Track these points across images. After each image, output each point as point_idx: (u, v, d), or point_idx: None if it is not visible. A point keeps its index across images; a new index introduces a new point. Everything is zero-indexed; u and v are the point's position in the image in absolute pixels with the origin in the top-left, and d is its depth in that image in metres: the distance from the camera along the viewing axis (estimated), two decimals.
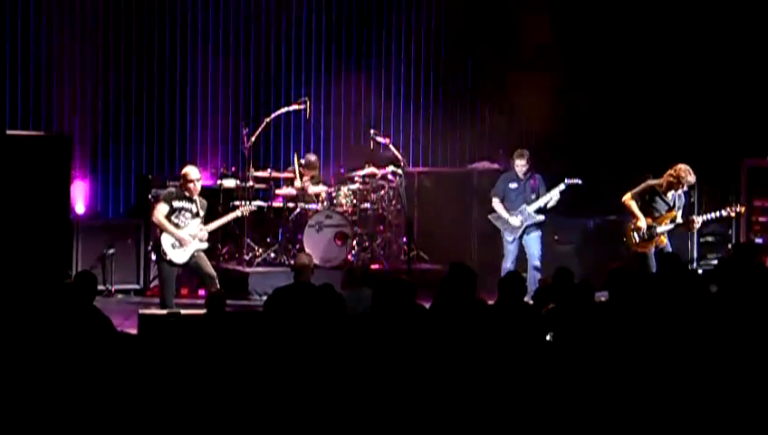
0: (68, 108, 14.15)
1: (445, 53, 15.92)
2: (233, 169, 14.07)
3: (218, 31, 14.81)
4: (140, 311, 10.02)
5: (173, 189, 11.37)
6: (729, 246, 13.75)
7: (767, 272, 9.23)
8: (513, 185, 12.43)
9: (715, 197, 13.90)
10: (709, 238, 14.11)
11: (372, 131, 13.95)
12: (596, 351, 6.99)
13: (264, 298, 10.69)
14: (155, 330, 9.03)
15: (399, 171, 13.76)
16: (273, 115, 13.87)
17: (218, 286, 10.61)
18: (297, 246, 13.10)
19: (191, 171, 11.08)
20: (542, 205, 12.31)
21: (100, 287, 11.85)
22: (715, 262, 13.03)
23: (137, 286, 13.35)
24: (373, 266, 13.41)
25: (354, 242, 13.43)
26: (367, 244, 13.75)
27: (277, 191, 13.80)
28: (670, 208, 11.72)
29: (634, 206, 11.71)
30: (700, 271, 13.24)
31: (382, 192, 13.91)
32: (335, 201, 13.56)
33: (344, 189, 13.67)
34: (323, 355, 6.57)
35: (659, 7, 15.25)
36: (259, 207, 12.89)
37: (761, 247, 13.09)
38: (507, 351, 6.98)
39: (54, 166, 12.19)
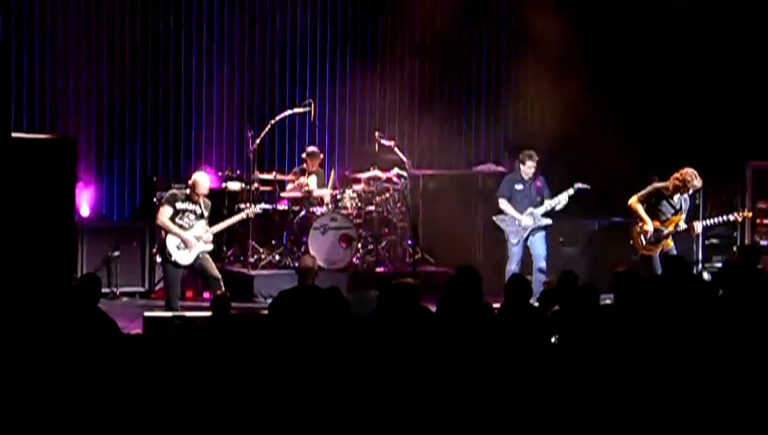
0: (73, 111, 14.16)
1: (449, 56, 15.90)
2: (238, 171, 14.07)
3: (223, 33, 14.81)
4: (145, 313, 10.04)
5: (176, 191, 11.39)
6: (734, 248, 13.74)
7: (764, 276, 9.26)
8: (519, 186, 12.42)
9: (720, 199, 13.89)
10: (714, 241, 14.09)
11: (377, 134, 13.95)
12: (600, 353, 6.98)
13: (269, 301, 10.72)
14: (160, 332, 9.03)
15: (404, 174, 13.76)
16: (278, 117, 13.87)
17: (223, 289, 10.60)
18: (302, 249, 13.10)
19: (201, 184, 11.08)
20: (551, 208, 12.30)
21: (105, 290, 11.87)
22: (720, 265, 13.01)
23: (142, 289, 13.36)
24: (378, 269, 13.41)
25: (359, 245, 13.43)
26: (372, 246, 13.73)
27: (282, 194, 13.80)
28: (676, 212, 11.71)
29: (641, 209, 11.70)
30: (705, 274, 13.23)
31: (387, 195, 13.90)
32: (340, 204, 13.56)
33: (349, 192, 13.66)
34: (328, 358, 6.56)
35: (665, 11, 15.23)
36: (264, 210, 12.89)
37: (765, 250, 13.05)
38: (512, 353, 6.97)
39: (59, 169, 12.16)
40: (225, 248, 13.52)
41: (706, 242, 14.02)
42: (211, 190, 11.57)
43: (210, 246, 11.23)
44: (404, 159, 13.82)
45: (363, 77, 15.19)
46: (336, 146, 15.37)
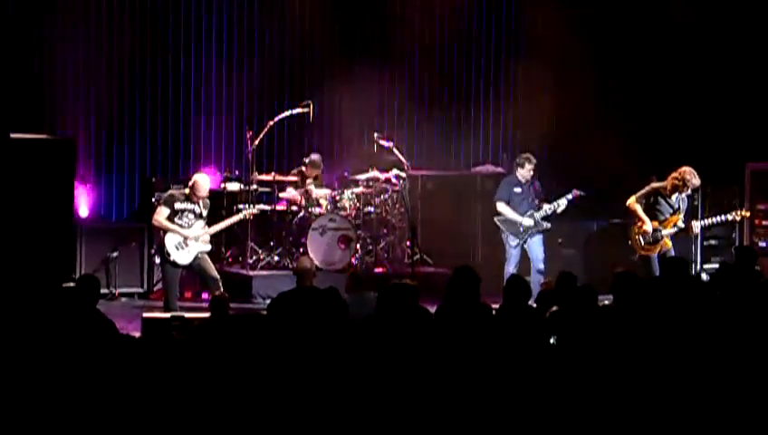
0: (72, 111, 14.16)
1: (448, 57, 15.91)
2: (236, 172, 14.07)
3: (222, 34, 14.81)
4: (144, 314, 10.03)
5: (174, 192, 11.39)
6: (732, 249, 13.74)
7: (760, 278, 9.26)
8: (518, 189, 12.41)
9: (718, 201, 13.90)
10: (712, 241, 14.11)
11: (376, 135, 13.92)
12: (599, 354, 6.98)
13: (268, 301, 10.71)
14: (158, 333, 9.02)
15: (403, 175, 13.75)
16: (276, 118, 13.86)
17: (222, 289, 10.60)
18: (300, 250, 13.10)
19: (201, 186, 11.08)
20: (551, 212, 12.29)
21: (104, 291, 11.86)
22: (717, 266, 13.02)
23: (140, 290, 13.37)
24: (377, 270, 13.41)
25: (358, 245, 13.43)
26: (370, 247, 13.73)
27: (281, 194, 13.80)
28: (675, 212, 11.71)
29: (639, 209, 11.70)
30: (703, 274, 13.24)
31: (386, 195, 13.90)
32: (339, 204, 13.56)
33: (348, 193, 13.67)
34: (327, 359, 6.56)
35: (663, 11, 15.24)
36: (262, 211, 12.88)
37: (762, 251, 13.05)
38: (511, 354, 6.97)
39: (58, 169, 12.19)
40: (223, 249, 13.52)
41: (705, 243, 14.04)
42: (210, 191, 11.57)
43: (208, 247, 11.23)
44: (403, 159, 13.80)
45: (362, 78, 15.18)
46: (335, 147, 15.36)
